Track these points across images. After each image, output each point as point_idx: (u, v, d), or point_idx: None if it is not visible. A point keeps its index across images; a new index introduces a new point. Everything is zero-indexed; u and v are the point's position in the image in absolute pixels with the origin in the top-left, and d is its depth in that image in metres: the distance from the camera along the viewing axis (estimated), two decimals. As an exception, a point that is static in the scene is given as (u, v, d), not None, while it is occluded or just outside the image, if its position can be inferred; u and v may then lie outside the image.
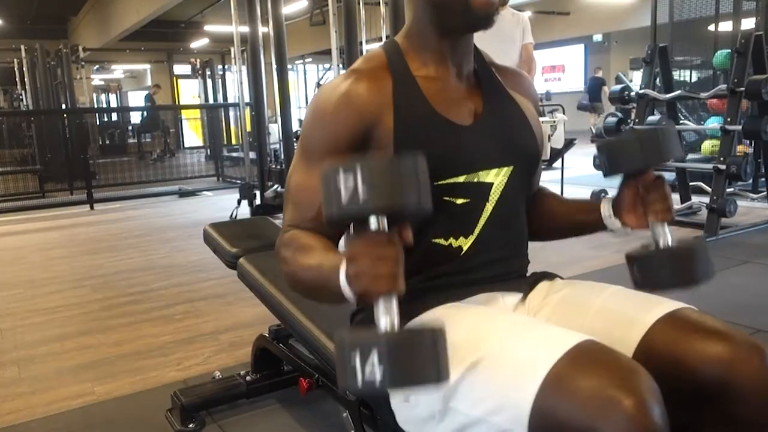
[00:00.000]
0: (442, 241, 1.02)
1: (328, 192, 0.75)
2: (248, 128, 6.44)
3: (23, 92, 11.85)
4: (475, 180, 1.01)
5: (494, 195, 1.03)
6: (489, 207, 1.03)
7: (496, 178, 1.03)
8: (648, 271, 0.97)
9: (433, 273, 1.03)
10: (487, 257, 1.04)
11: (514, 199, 1.07)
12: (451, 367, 0.83)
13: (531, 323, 0.90)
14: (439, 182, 0.98)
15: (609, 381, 0.73)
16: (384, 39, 5.95)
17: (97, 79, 18.99)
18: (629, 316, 0.94)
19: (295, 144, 5.51)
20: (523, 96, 1.14)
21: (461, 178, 1.00)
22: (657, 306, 0.94)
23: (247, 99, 6.27)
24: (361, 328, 0.78)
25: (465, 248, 1.02)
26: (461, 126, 1.02)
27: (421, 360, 0.72)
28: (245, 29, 5.51)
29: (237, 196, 5.46)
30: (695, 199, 4.46)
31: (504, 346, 0.83)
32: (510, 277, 1.07)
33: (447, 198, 1.00)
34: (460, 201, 1.01)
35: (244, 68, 6.26)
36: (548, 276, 1.12)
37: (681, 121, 5.14)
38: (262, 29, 5.49)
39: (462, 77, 1.07)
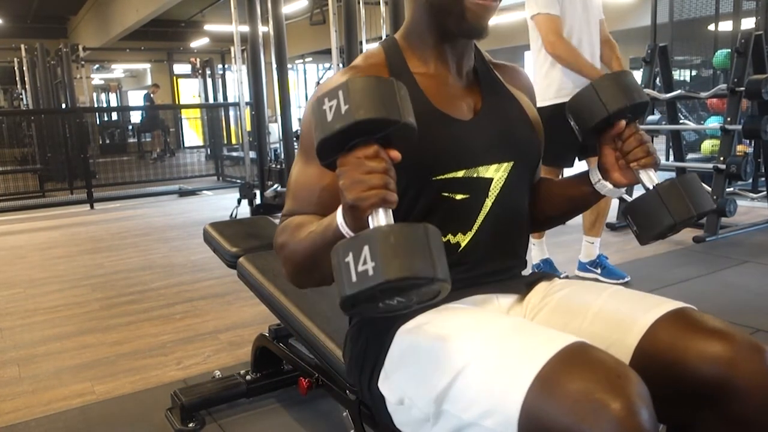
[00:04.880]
0: None
1: (316, 119, 0.79)
2: (248, 128, 6.44)
3: (23, 92, 11.86)
4: (475, 175, 1.01)
5: (494, 191, 1.03)
6: (489, 203, 1.03)
7: (496, 173, 1.03)
8: (646, 217, 0.98)
9: None
10: (485, 254, 1.04)
11: (515, 195, 1.07)
12: (442, 370, 0.83)
13: (521, 325, 0.90)
14: (438, 177, 0.98)
15: (597, 384, 0.72)
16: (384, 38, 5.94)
17: (97, 79, 18.99)
18: (629, 317, 0.94)
19: (295, 144, 5.52)
20: (521, 91, 1.14)
21: (460, 173, 1.00)
22: (657, 306, 0.94)
23: (247, 98, 6.27)
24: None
25: (463, 244, 1.02)
26: (460, 120, 1.02)
27: (413, 251, 0.70)
28: (245, 29, 5.51)
29: (237, 195, 5.46)
30: (695, 198, 4.46)
31: (494, 349, 0.83)
32: (507, 275, 1.07)
33: (446, 194, 1.00)
34: (459, 197, 1.00)
35: (244, 68, 6.26)
36: (547, 276, 1.11)
37: (681, 121, 5.14)
38: (262, 29, 5.49)
39: (461, 75, 1.07)
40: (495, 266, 1.05)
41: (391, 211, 0.77)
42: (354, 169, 0.77)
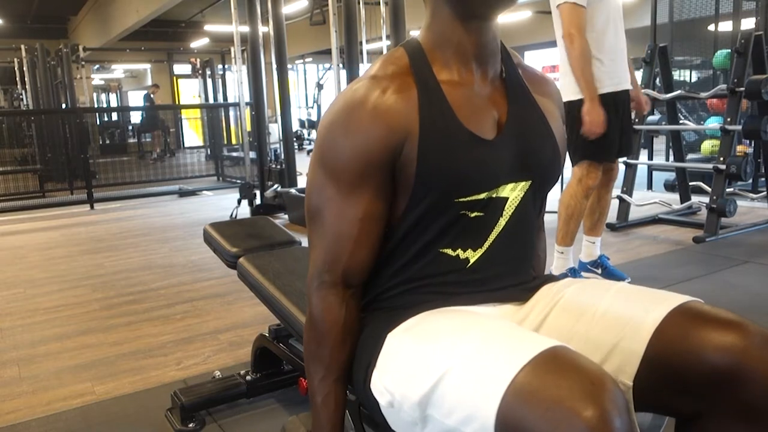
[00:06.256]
0: (449, 252, 1.00)
1: None
2: (248, 128, 6.44)
3: (23, 92, 11.86)
4: (494, 195, 0.98)
5: (509, 210, 1.00)
6: (502, 222, 1.00)
7: (513, 192, 1.00)
8: None
9: (436, 281, 1.00)
10: (493, 271, 1.02)
11: (528, 213, 1.04)
12: (425, 373, 0.83)
13: (505, 328, 0.88)
14: (460, 199, 0.96)
15: (570, 391, 0.71)
16: (384, 39, 5.94)
17: (97, 79, 18.99)
18: (640, 311, 0.93)
19: (295, 144, 5.52)
20: (550, 102, 1.09)
21: (482, 195, 0.97)
22: (667, 299, 0.93)
23: (247, 99, 6.28)
24: None
25: (472, 260, 1.00)
26: (485, 140, 0.97)
27: None
28: (245, 29, 5.52)
29: (237, 195, 5.46)
30: (695, 199, 4.46)
31: (473, 354, 0.82)
32: (513, 289, 1.05)
33: (463, 212, 0.98)
34: (473, 214, 0.98)
35: (244, 68, 6.26)
36: (551, 278, 1.10)
37: (681, 121, 5.14)
38: (262, 29, 5.50)
39: (487, 80, 1.01)
40: (502, 283, 1.03)
41: None
42: None
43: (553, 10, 2.71)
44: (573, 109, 2.80)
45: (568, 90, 2.79)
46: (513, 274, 1.05)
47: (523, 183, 1.01)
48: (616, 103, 2.74)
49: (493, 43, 1.00)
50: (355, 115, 0.94)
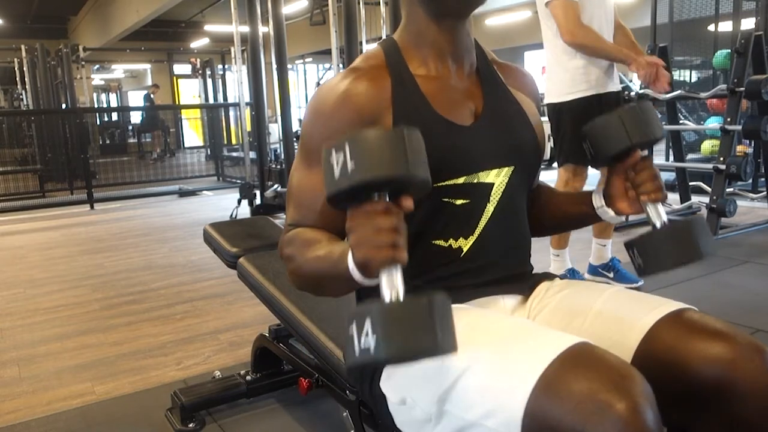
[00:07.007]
0: (441, 243, 1.01)
1: (324, 172, 0.77)
2: (248, 128, 6.44)
3: (23, 92, 11.86)
4: (475, 181, 1.00)
5: (495, 195, 1.02)
6: (490, 207, 1.02)
7: (497, 178, 1.02)
8: (649, 253, 0.99)
9: (434, 275, 1.02)
10: (487, 259, 1.03)
11: (516, 199, 1.06)
12: (445, 369, 0.83)
13: (525, 326, 0.90)
14: (439, 184, 0.97)
15: (601, 384, 0.72)
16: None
17: (97, 79, 18.99)
18: (630, 318, 0.93)
19: (295, 144, 5.52)
20: (525, 94, 1.12)
21: (460, 180, 0.99)
22: (658, 307, 0.94)
23: (247, 99, 6.27)
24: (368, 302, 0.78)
25: (465, 249, 1.01)
26: (461, 126, 1.00)
27: (416, 329, 0.69)
28: (245, 29, 5.52)
29: (237, 195, 5.46)
30: (695, 199, 4.46)
31: (497, 350, 0.83)
32: (511, 279, 1.06)
33: (446, 199, 0.99)
34: (459, 202, 1.00)
35: (244, 68, 6.26)
36: (548, 277, 1.11)
37: (681, 121, 5.14)
38: (262, 29, 5.50)
39: (463, 75, 1.05)
40: (499, 271, 1.04)
41: (400, 269, 0.76)
42: (363, 225, 0.76)
43: (541, 9, 2.62)
44: (558, 111, 2.74)
45: (554, 92, 2.71)
46: (508, 261, 1.06)
47: (507, 168, 1.03)
48: (601, 105, 2.61)
49: (467, 40, 1.04)
50: (327, 99, 0.99)
